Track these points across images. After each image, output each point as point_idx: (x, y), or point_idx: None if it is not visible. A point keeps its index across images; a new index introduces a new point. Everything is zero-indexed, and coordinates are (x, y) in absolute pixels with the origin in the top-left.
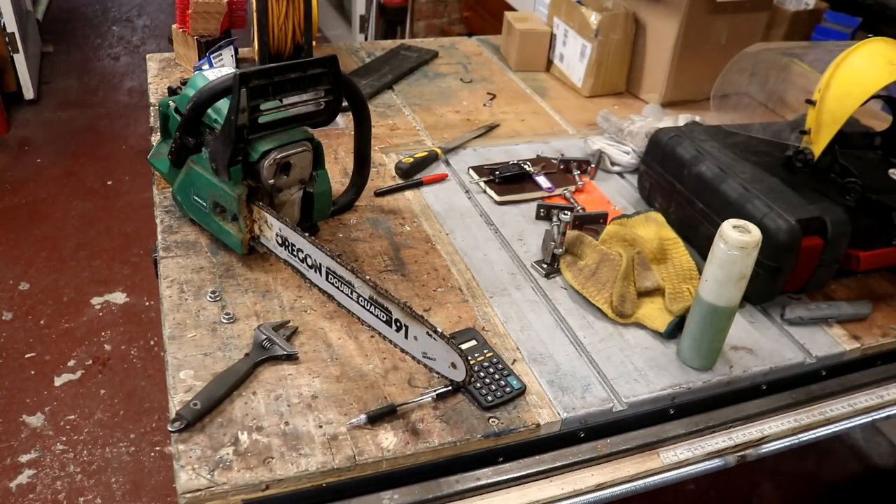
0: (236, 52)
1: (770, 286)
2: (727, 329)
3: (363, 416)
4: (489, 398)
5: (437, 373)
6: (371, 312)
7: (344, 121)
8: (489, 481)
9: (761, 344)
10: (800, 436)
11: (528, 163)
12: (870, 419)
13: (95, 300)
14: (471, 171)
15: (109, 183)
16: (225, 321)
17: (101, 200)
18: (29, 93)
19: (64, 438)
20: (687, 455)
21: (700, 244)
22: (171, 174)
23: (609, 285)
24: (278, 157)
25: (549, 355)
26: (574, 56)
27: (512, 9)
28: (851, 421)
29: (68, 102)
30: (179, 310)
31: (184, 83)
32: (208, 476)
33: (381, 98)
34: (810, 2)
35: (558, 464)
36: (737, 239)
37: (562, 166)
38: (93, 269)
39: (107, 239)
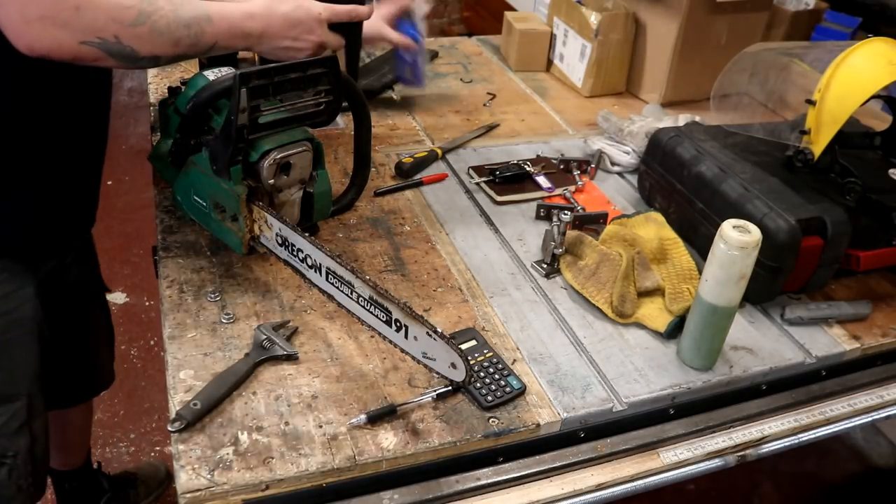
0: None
1: (770, 286)
2: (727, 329)
3: (363, 416)
4: (489, 398)
5: (437, 373)
6: (371, 312)
7: (344, 121)
8: (489, 481)
9: (761, 344)
10: (800, 436)
11: (528, 163)
12: (870, 419)
13: None
14: (471, 171)
15: (109, 183)
16: (225, 321)
17: (101, 200)
18: None
19: None
20: (687, 455)
21: (700, 244)
22: (171, 174)
23: (609, 285)
24: (278, 157)
25: (549, 355)
26: (574, 56)
27: (512, 9)
28: (851, 421)
29: None
30: (179, 310)
31: (184, 83)
32: (208, 476)
33: (381, 98)
34: (810, 2)
35: (558, 464)
36: (737, 239)
37: (562, 166)
38: None
39: (107, 239)
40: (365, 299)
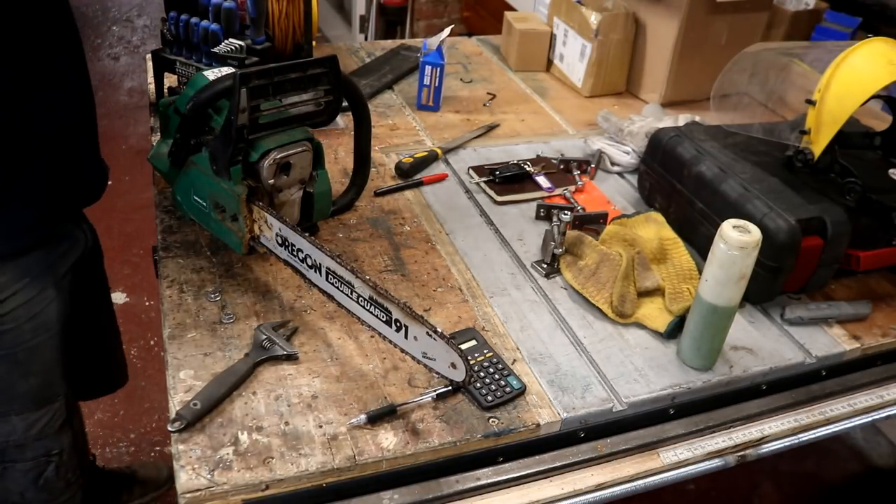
0: None
1: (770, 286)
2: (727, 329)
3: (363, 416)
4: (489, 398)
5: (437, 373)
6: (371, 312)
7: (344, 121)
8: (489, 481)
9: (761, 344)
10: (800, 436)
11: (528, 163)
12: (870, 419)
13: None
14: (471, 171)
15: (109, 183)
16: (225, 321)
17: (101, 200)
18: None
19: None
20: (687, 455)
21: (700, 244)
22: (171, 174)
23: (609, 285)
24: (278, 157)
25: (549, 355)
26: (574, 56)
27: (512, 9)
28: (851, 421)
29: None
30: (179, 310)
31: (184, 83)
32: (208, 476)
33: (381, 98)
34: (810, 2)
35: (558, 464)
36: (737, 239)
37: (562, 166)
38: None
39: (107, 239)
40: (365, 299)
